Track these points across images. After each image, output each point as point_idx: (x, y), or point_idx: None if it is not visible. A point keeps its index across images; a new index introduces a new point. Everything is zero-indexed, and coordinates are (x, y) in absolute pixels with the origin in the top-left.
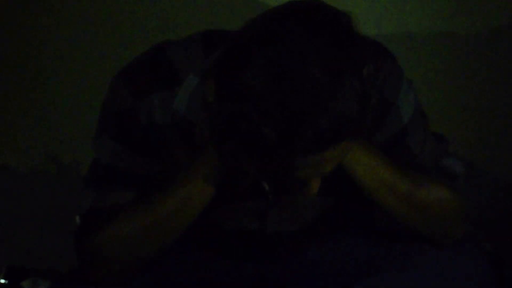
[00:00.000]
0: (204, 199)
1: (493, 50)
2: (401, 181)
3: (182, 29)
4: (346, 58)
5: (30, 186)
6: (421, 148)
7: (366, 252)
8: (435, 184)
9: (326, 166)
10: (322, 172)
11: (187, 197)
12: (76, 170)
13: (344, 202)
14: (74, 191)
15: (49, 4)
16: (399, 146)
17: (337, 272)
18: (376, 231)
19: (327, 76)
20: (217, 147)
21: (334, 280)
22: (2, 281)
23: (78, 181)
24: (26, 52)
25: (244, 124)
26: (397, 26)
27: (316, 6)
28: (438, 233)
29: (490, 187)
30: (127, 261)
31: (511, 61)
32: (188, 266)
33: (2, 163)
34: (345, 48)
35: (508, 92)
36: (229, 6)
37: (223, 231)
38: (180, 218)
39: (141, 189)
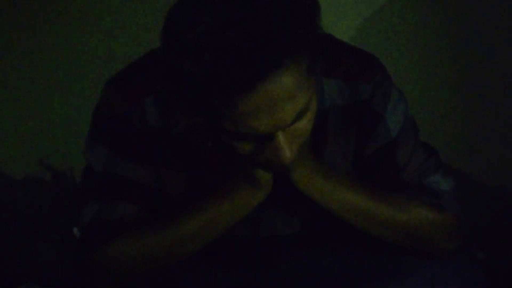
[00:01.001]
0: (232, 219)
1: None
2: (369, 203)
3: None
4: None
5: (24, 192)
6: (407, 163)
7: (358, 262)
8: (416, 204)
9: (280, 112)
10: (279, 122)
11: (214, 217)
12: (70, 176)
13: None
14: (69, 198)
15: (48, 5)
16: (386, 159)
17: (329, 282)
18: (368, 240)
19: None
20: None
21: None
22: None
23: (73, 187)
24: (20, 56)
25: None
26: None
27: None
28: (426, 249)
29: (484, 195)
30: (135, 276)
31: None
32: (180, 274)
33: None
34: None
35: (508, 96)
36: None
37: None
38: (204, 238)
39: (143, 200)
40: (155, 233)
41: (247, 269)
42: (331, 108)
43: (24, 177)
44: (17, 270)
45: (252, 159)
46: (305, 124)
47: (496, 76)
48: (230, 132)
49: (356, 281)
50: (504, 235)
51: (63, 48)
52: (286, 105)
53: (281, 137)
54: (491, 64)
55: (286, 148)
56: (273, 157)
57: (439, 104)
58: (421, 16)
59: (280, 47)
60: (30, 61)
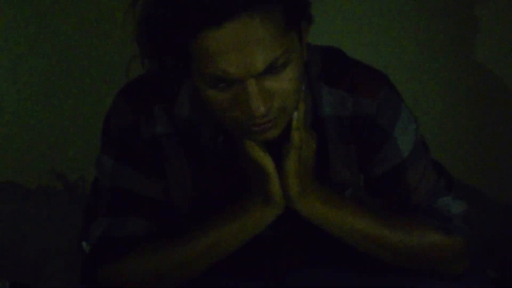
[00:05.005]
0: (243, 238)
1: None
2: (376, 228)
3: None
4: None
5: (37, 202)
6: (418, 185)
7: (366, 280)
8: (425, 228)
9: (249, 56)
10: (249, 66)
11: (226, 236)
12: (82, 187)
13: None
14: (81, 208)
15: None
16: (397, 180)
17: None
18: (377, 260)
19: None
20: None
21: None
22: None
23: (84, 198)
24: (33, 67)
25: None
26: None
27: None
28: (434, 271)
29: (495, 212)
30: None
31: None
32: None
33: (9, 180)
34: None
35: None
36: None
37: None
38: (215, 255)
39: (152, 213)
40: (166, 251)
41: (253, 280)
42: (331, 118)
43: (36, 187)
44: (27, 280)
45: (234, 122)
46: (284, 83)
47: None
48: (204, 77)
49: None
50: None
51: (77, 59)
52: (256, 50)
53: (252, 84)
54: (507, 82)
55: (259, 98)
56: (245, 109)
57: (453, 119)
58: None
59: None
60: (43, 72)
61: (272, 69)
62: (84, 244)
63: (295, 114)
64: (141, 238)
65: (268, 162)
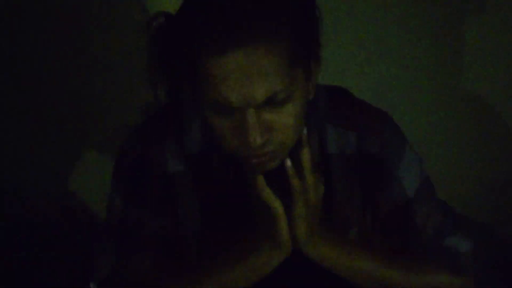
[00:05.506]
0: (250, 280)
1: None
2: (383, 269)
3: None
4: None
5: (44, 238)
6: (425, 224)
7: None
8: (433, 268)
9: (249, 86)
10: (249, 96)
11: (233, 279)
12: (90, 223)
13: None
14: (88, 244)
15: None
16: (404, 220)
17: None
18: None
19: None
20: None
21: None
22: None
23: (92, 234)
24: (44, 101)
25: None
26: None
27: None
28: None
29: (507, 247)
30: None
31: None
32: None
33: (16, 214)
34: None
35: None
36: None
37: None
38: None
39: (159, 248)
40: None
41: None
42: (336, 155)
43: (44, 219)
44: None
45: (233, 148)
46: (283, 118)
47: None
48: (209, 103)
49: None
50: None
51: (86, 98)
52: (256, 81)
53: (251, 114)
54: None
55: (256, 129)
56: (243, 139)
57: (458, 157)
58: None
59: (260, 24)
60: (53, 104)
61: (272, 102)
62: (92, 285)
63: (288, 162)
64: (148, 274)
65: (277, 205)
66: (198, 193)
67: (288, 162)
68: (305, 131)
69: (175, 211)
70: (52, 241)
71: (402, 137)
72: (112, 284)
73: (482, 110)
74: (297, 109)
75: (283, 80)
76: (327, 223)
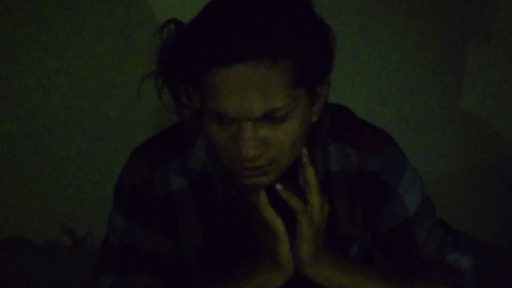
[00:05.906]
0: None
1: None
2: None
3: None
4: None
5: (44, 258)
6: (426, 241)
7: None
8: (436, 285)
9: (248, 100)
10: (247, 110)
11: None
12: (90, 243)
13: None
14: (88, 265)
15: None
16: (405, 237)
17: None
18: None
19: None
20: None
21: None
22: None
23: (92, 254)
24: (49, 124)
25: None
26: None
27: None
28: None
29: (510, 268)
30: None
31: None
32: None
33: (16, 235)
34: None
35: None
36: None
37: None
38: None
39: (159, 270)
40: None
41: None
42: (338, 173)
43: (44, 243)
44: None
45: (228, 157)
46: (280, 135)
47: None
48: (209, 113)
49: None
50: None
51: (86, 120)
52: (255, 95)
53: (247, 127)
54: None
55: (250, 142)
56: (237, 150)
57: (458, 175)
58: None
59: (266, 40)
60: (53, 121)
61: (270, 118)
62: None
63: (278, 186)
64: None
65: (278, 224)
66: (199, 209)
67: (279, 186)
68: (305, 150)
69: (176, 231)
70: (52, 259)
71: (403, 156)
72: None
73: (483, 128)
74: (295, 128)
75: (283, 98)
76: (328, 241)
